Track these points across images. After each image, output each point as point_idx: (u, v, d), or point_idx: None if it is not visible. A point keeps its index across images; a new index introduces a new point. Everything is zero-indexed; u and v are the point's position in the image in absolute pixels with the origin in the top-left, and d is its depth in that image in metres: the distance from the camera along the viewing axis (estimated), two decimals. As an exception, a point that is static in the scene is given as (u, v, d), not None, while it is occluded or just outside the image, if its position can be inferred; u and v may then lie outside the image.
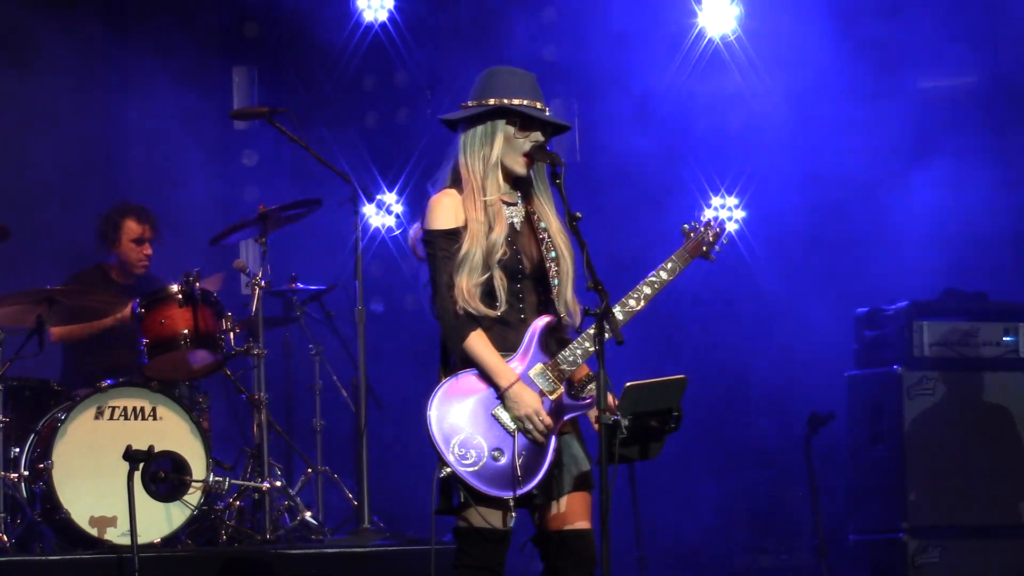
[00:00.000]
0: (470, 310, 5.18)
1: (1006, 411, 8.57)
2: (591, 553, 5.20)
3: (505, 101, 5.25)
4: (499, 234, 5.22)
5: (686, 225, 5.46)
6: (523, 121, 5.27)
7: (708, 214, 5.57)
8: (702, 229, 5.43)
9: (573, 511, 5.26)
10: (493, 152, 5.27)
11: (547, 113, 5.30)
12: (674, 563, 9.35)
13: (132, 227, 8.52)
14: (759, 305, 10.00)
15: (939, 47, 9.75)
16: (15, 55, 9.63)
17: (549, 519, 5.27)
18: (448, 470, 5.13)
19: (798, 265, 9.92)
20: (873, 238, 9.89)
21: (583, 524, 5.27)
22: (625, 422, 5.02)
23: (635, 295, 5.28)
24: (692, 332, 9.83)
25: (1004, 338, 8.74)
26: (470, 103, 5.31)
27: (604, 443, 5.00)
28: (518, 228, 5.33)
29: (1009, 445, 8.53)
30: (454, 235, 5.22)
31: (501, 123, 5.27)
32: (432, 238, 5.24)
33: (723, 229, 5.48)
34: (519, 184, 5.37)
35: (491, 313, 5.20)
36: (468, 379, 5.21)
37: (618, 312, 5.21)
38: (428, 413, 5.15)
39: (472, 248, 5.19)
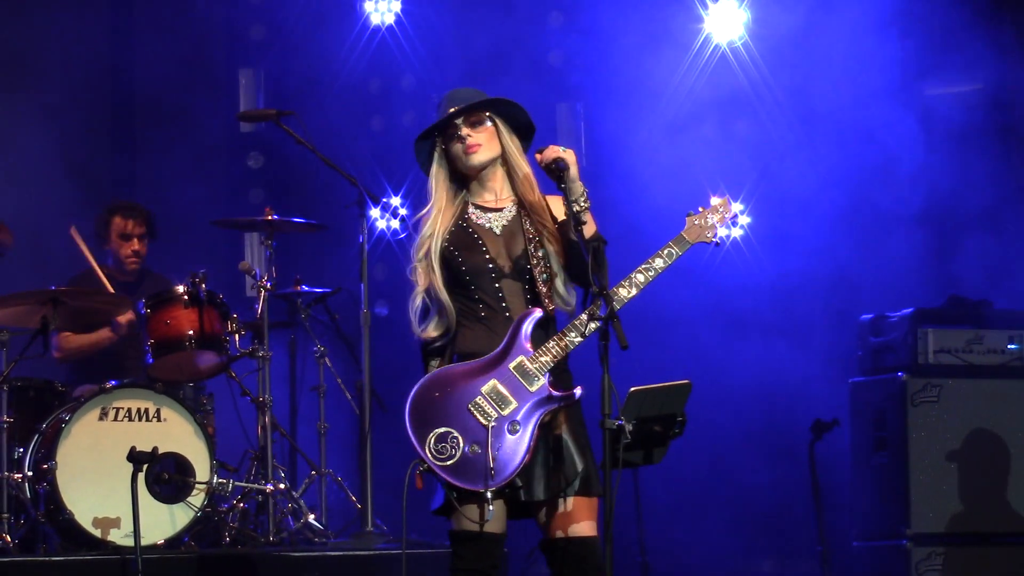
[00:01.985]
0: (426, 343, 5.36)
1: (1010, 419, 8.54)
2: (596, 561, 5.17)
3: (429, 128, 5.38)
4: (435, 243, 5.32)
5: (691, 211, 5.39)
6: (444, 133, 5.37)
7: (714, 201, 5.43)
8: (705, 212, 5.37)
9: (576, 517, 5.23)
10: (437, 173, 5.40)
11: (460, 102, 5.34)
12: (676, 569, 9.34)
13: (118, 223, 8.56)
14: (763, 310, 9.98)
15: (945, 55, 9.73)
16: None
17: (552, 523, 5.25)
18: (425, 465, 5.14)
19: (802, 270, 9.90)
20: (878, 244, 9.87)
21: (586, 531, 5.24)
22: (629, 427, 5.02)
23: (626, 283, 5.24)
24: (695, 337, 9.81)
25: (1009, 346, 8.72)
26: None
27: (608, 448, 5.00)
28: (498, 232, 5.35)
29: (1013, 453, 8.51)
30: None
31: (434, 146, 5.40)
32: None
33: (728, 210, 5.39)
34: (514, 187, 5.40)
35: (439, 339, 5.31)
36: (445, 374, 5.22)
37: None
38: (406, 408, 5.17)
39: (424, 284, 5.34)
